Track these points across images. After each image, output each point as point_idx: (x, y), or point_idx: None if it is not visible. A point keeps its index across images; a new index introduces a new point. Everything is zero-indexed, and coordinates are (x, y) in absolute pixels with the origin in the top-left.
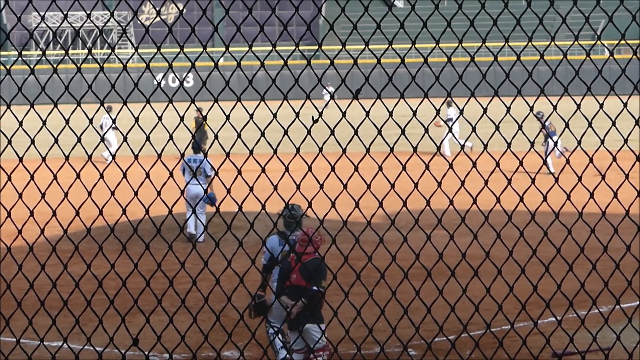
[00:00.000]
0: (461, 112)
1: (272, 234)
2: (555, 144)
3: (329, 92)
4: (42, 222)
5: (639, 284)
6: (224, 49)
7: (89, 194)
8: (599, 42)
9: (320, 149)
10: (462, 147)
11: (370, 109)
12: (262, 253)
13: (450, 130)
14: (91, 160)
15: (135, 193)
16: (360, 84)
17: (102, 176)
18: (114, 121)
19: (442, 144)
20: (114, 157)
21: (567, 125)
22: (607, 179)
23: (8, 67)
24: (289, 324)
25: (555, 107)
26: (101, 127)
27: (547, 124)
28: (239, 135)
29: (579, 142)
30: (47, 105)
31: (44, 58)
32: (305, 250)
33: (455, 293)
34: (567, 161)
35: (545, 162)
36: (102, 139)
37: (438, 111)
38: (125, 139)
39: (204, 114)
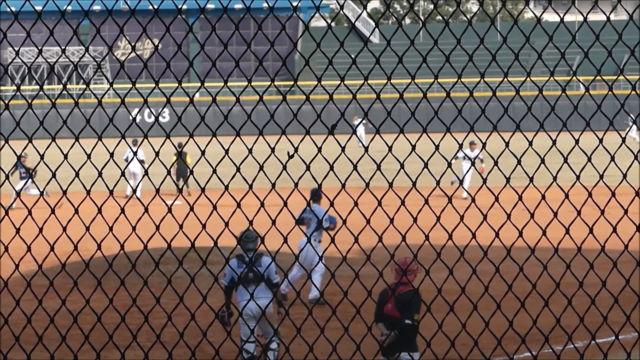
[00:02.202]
0: (437, 147)
1: (232, 257)
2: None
3: (367, 122)
4: (16, 257)
5: (615, 319)
6: (199, 84)
7: (64, 229)
8: (574, 77)
9: (296, 185)
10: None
11: (345, 145)
12: (223, 275)
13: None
14: (66, 196)
15: (110, 228)
16: (336, 120)
17: (77, 211)
18: (135, 154)
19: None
20: (134, 190)
21: (542, 161)
22: (583, 215)
23: None
24: (382, 351)
25: (530, 143)
26: (126, 160)
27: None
28: (214, 171)
29: (555, 178)
30: (22, 141)
31: (18, 93)
32: (401, 280)
33: (431, 328)
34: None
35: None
36: (123, 173)
37: (474, 157)
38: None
39: (183, 148)
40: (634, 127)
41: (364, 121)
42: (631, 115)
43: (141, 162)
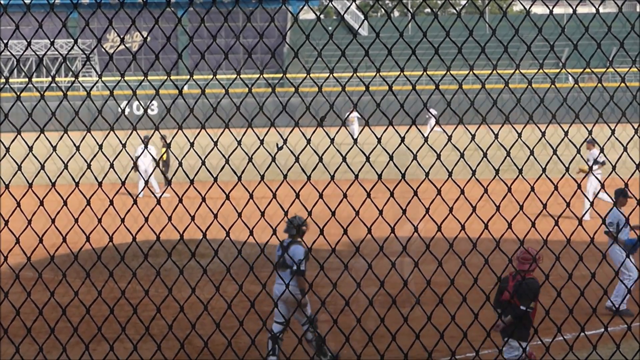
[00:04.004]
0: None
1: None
2: None
3: (361, 117)
4: (5, 250)
5: (604, 311)
6: (188, 77)
7: (53, 221)
8: (563, 70)
9: (285, 177)
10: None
11: (334, 136)
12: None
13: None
14: (54, 188)
15: (99, 220)
16: (325, 112)
17: (65, 204)
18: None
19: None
20: (146, 182)
21: (532, 153)
22: (572, 207)
23: None
24: (501, 334)
25: (520, 135)
26: (137, 156)
27: None
28: (203, 163)
29: (544, 170)
30: (11, 133)
31: (7, 86)
32: (526, 268)
33: (420, 320)
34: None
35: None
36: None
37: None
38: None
39: (167, 141)
40: (433, 122)
41: (357, 115)
42: (431, 110)
43: (153, 159)
